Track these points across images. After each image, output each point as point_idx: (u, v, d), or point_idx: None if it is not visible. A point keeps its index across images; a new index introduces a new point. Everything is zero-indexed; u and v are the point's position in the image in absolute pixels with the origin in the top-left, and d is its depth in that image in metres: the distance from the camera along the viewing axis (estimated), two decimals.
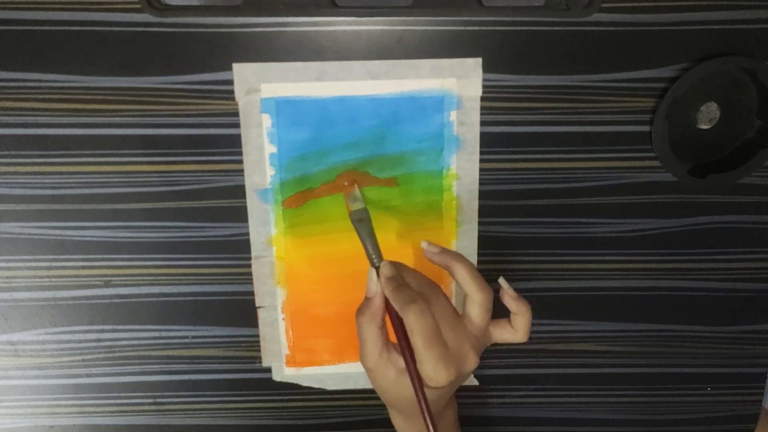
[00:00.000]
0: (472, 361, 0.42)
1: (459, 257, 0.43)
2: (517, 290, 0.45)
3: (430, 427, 0.40)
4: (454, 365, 0.40)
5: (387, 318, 0.43)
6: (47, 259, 0.52)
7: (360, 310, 0.43)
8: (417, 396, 0.40)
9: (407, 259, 0.53)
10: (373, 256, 0.44)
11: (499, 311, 0.45)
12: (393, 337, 0.43)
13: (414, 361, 0.40)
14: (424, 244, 0.45)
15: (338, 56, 0.49)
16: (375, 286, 0.42)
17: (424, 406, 0.40)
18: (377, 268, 0.43)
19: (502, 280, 0.45)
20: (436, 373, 0.39)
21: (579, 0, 0.45)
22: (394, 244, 0.53)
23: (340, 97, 0.49)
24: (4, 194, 0.51)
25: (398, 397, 0.43)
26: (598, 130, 0.51)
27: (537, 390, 0.59)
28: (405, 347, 0.41)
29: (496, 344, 0.45)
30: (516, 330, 0.45)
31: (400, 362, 0.42)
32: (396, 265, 0.43)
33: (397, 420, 0.47)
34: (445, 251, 0.44)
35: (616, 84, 0.50)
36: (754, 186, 0.53)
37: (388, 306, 0.42)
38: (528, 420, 0.60)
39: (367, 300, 0.43)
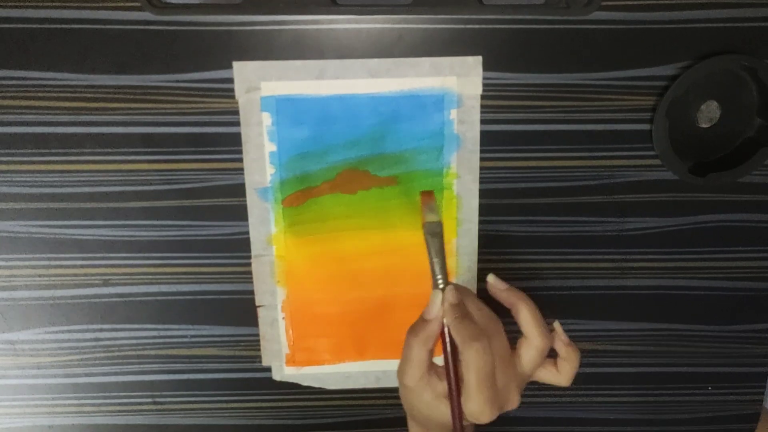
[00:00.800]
0: (514, 402, 0.41)
1: (525, 298, 0.42)
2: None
3: None
4: (499, 405, 0.39)
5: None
6: (46, 258, 0.52)
7: (414, 330, 0.41)
8: (454, 427, 0.39)
9: (406, 258, 0.53)
10: (439, 277, 0.40)
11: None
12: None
13: (459, 393, 0.39)
14: (490, 278, 0.43)
15: (338, 54, 0.48)
16: (437, 310, 0.40)
17: None
18: (441, 290, 0.40)
19: (557, 324, 0.44)
20: (480, 413, 0.38)
21: None
22: (393, 244, 0.53)
23: (340, 95, 0.49)
24: (4, 193, 0.50)
25: (427, 417, 0.42)
26: (598, 129, 0.51)
27: (537, 389, 0.59)
28: (453, 379, 0.39)
29: (534, 383, 0.44)
30: (561, 374, 0.43)
31: (439, 387, 0.41)
32: (461, 291, 0.41)
33: (414, 430, 0.46)
34: (511, 289, 0.43)
35: (616, 82, 0.50)
36: (754, 185, 0.53)
37: (442, 332, 0.40)
38: (528, 420, 0.60)
39: (424, 321, 0.40)
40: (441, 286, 0.40)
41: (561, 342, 0.43)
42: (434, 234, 0.41)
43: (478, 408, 0.38)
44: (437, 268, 0.41)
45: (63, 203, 0.51)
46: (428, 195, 0.44)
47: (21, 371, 0.55)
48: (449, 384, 0.39)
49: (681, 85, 0.49)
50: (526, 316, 0.41)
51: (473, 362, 0.38)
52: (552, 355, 0.43)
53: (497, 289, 0.43)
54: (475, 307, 0.41)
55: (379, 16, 0.48)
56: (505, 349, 0.41)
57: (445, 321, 0.40)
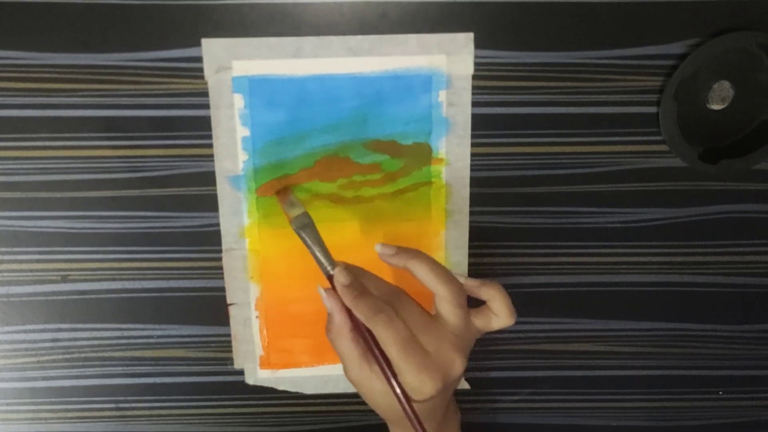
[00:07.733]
0: (458, 364, 0.41)
1: (417, 254, 0.43)
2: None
3: None
4: (440, 372, 0.40)
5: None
6: None
7: (326, 327, 0.42)
8: (405, 411, 0.39)
9: None
10: (326, 264, 0.42)
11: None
12: None
13: (394, 374, 0.40)
14: (378, 248, 0.43)
15: (317, 31, 0.48)
16: (329, 302, 0.41)
17: (415, 422, 0.39)
18: (331, 277, 0.42)
19: (464, 279, 0.44)
20: (420, 383, 0.39)
21: None
22: (377, 237, 0.52)
23: (319, 75, 0.48)
24: None
25: (391, 410, 0.42)
26: (600, 112, 0.51)
27: (532, 394, 0.58)
28: (381, 360, 0.40)
29: (489, 334, 0.45)
30: (499, 315, 0.44)
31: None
32: (353, 270, 0.42)
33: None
34: (401, 251, 0.43)
35: (620, 61, 0.50)
36: None
37: (352, 316, 0.41)
38: (523, 427, 0.59)
39: (329, 315, 0.42)
40: (331, 272, 0.42)
41: (474, 288, 0.44)
42: (304, 226, 0.44)
43: (414, 379, 0.39)
44: (320, 257, 0.43)
45: (17, 193, 0.50)
46: (283, 192, 0.47)
47: None
48: (380, 366, 0.40)
49: (691, 64, 0.48)
50: (422, 270, 0.42)
51: (386, 335, 0.39)
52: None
53: (387, 256, 0.43)
54: (373, 284, 0.42)
55: None
56: (420, 315, 0.42)
57: (347, 305, 0.41)
